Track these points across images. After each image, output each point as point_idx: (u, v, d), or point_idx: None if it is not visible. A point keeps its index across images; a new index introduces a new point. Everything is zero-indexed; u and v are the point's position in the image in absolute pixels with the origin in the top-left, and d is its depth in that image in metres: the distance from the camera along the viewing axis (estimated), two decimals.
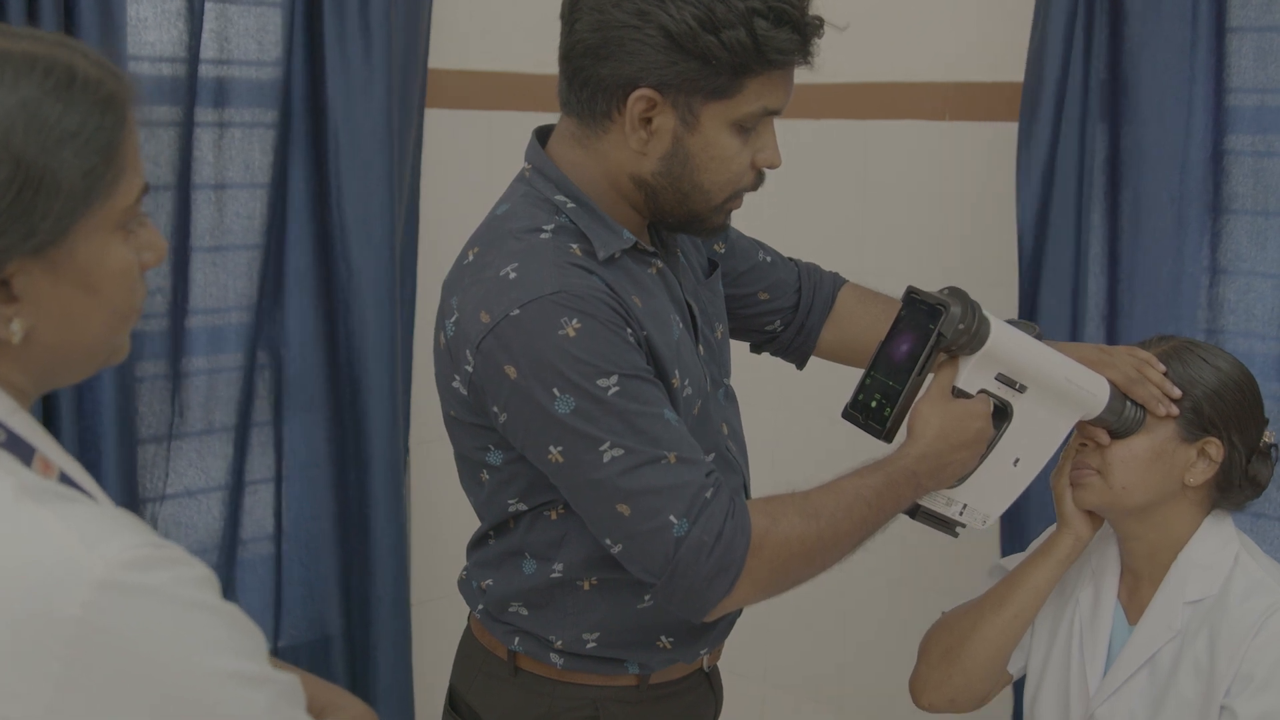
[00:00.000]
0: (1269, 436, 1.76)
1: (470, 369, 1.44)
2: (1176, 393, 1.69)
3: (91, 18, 1.88)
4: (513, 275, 1.42)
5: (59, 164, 0.96)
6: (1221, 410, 1.70)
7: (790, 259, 1.90)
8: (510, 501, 1.55)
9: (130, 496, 2.06)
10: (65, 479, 1.01)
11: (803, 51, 1.46)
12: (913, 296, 1.56)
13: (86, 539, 0.90)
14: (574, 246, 1.47)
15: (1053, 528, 1.84)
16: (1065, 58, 2.23)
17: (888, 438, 1.55)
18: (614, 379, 1.40)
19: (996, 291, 2.58)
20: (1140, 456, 1.69)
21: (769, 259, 1.86)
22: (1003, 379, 1.58)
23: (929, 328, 1.51)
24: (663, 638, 1.60)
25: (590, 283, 1.43)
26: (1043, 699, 1.82)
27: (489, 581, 1.61)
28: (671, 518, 1.40)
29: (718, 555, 1.41)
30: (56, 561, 0.89)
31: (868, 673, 2.88)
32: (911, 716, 2.23)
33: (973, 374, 1.56)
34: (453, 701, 1.70)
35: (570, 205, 1.50)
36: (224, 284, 2.19)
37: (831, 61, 2.77)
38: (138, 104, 1.02)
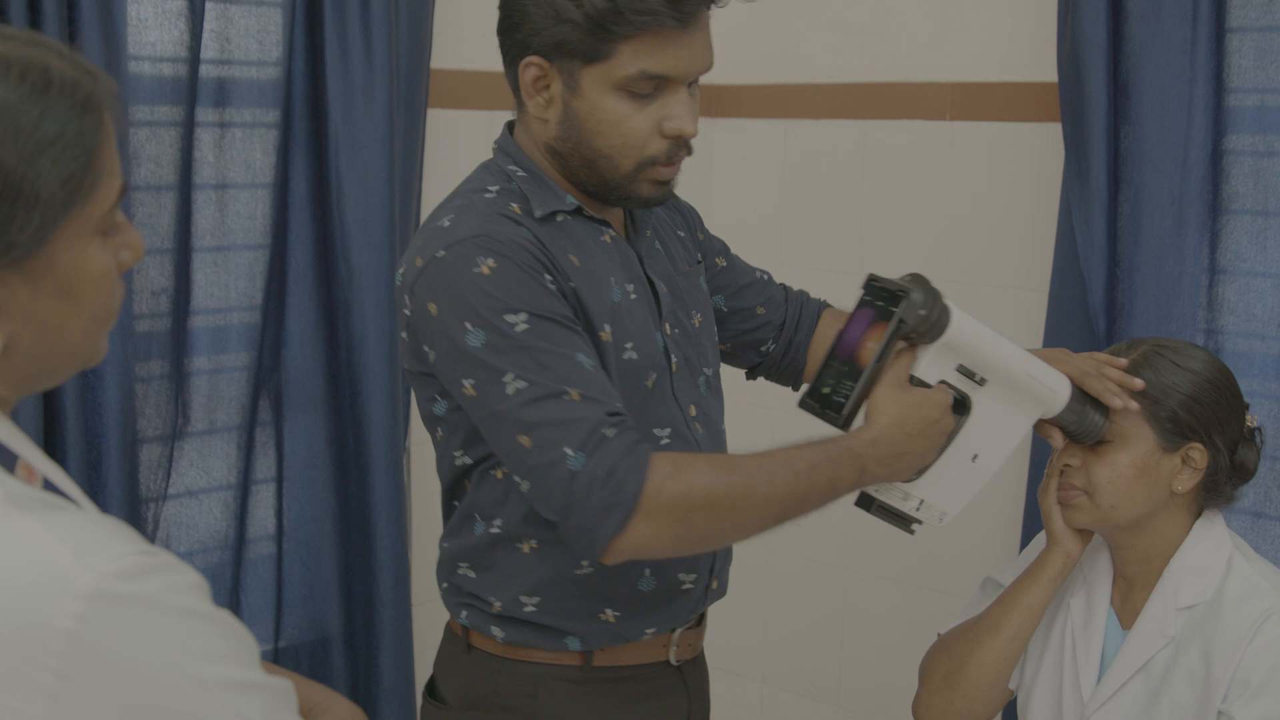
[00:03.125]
0: (1251, 421, 1.76)
1: (408, 313, 1.52)
2: (1137, 384, 1.67)
3: (92, 17, 1.88)
4: (446, 224, 1.51)
5: (37, 173, 0.93)
6: (1200, 414, 1.69)
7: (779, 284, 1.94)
8: (456, 454, 1.59)
9: (133, 497, 2.06)
10: (49, 486, 1.00)
11: (670, 13, 1.46)
12: (873, 282, 1.55)
13: (76, 549, 0.89)
14: (514, 205, 1.54)
15: (1043, 536, 1.84)
16: (1108, 56, 2.22)
17: (844, 425, 1.51)
18: (523, 316, 1.44)
19: (994, 292, 2.58)
20: (1124, 474, 1.69)
21: (764, 276, 1.90)
22: (963, 371, 1.56)
23: (890, 312, 1.50)
24: (607, 610, 1.60)
25: (515, 231, 1.50)
26: (1035, 706, 1.81)
27: (446, 544, 1.66)
28: (567, 450, 1.41)
29: (609, 491, 1.40)
30: (46, 572, 0.88)
31: (868, 673, 2.88)
32: (911, 716, 2.23)
33: (932, 364, 1.54)
34: (431, 681, 1.74)
35: (520, 174, 1.57)
36: (225, 284, 2.19)
37: (834, 62, 2.79)
38: (115, 103, 1.00)
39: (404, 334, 1.55)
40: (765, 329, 1.88)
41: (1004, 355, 1.58)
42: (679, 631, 1.69)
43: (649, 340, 1.60)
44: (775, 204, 2.93)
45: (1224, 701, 1.62)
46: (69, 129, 0.95)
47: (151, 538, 2.11)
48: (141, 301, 2.05)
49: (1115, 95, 2.24)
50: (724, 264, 1.86)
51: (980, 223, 2.61)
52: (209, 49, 2.07)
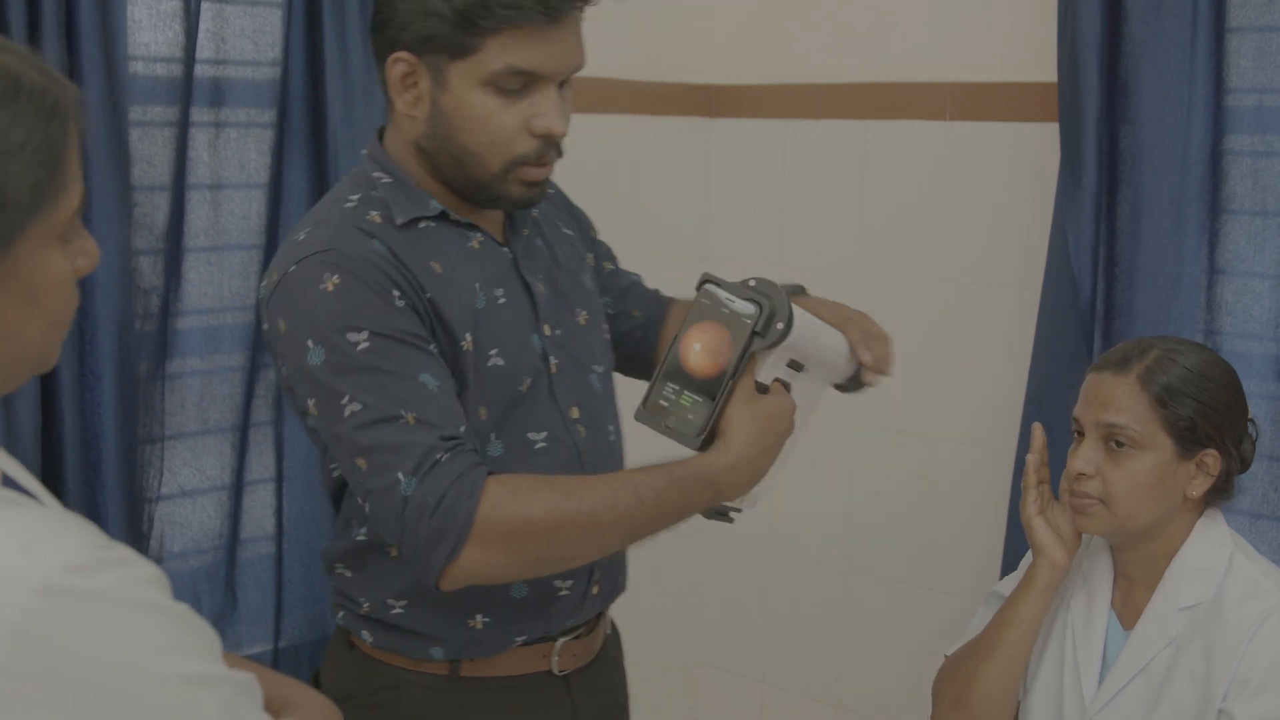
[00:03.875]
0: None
1: (266, 326, 1.51)
2: (889, 373, 1.64)
3: (90, 18, 1.88)
4: (302, 237, 1.49)
5: (6, 178, 0.93)
6: (1215, 421, 1.71)
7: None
8: (331, 465, 1.58)
9: (130, 497, 2.06)
10: (9, 482, 0.99)
11: (539, 7, 1.44)
12: (711, 287, 1.46)
13: (25, 544, 0.89)
14: (373, 213, 1.51)
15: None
16: (1102, 56, 2.22)
17: (703, 447, 1.46)
18: (364, 335, 1.43)
19: (995, 292, 2.57)
20: (1143, 483, 1.70)
21: (639, 279, 1.91)
22: (792, 364, 1.53)
23: (744, 324, 1.43)
24: (476, 616, 1.58)
25: (365, 245, 1.47)
26: (1036, 708, 1.81)
27: (328, 545, 1.65)
28: (400, 475, 1.41)
29: (439, 518, 1.40)
30: None
31: (868, 673, 2.88)
32: (911, 716, 2.22)
33: (772, 366, 1.49)
34: (316, 674, 1.73)
35: (385, 180, 1.55)
36: (220, 284, 2.19)
37: (834, 62, 2.78)
38: (80, 111, 1.00)
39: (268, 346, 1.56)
40: (639, 328, 1.88)
41: (825, 340, 1.56)
42: (562, 640, 1.64)
43: (521, 345, 1.58)
44: (775, 204, 2.93)
45: (1224, 700, 1.63)
46: (36, 135, 0.95)
47: (147, 537, 2.12)
48: (140, 301, 2.05)
49: (1113, 95, 2.23)
50: (611, 268, 1.87)
51: (980, 222, 2.61)
52: (204, 49, 2.07)
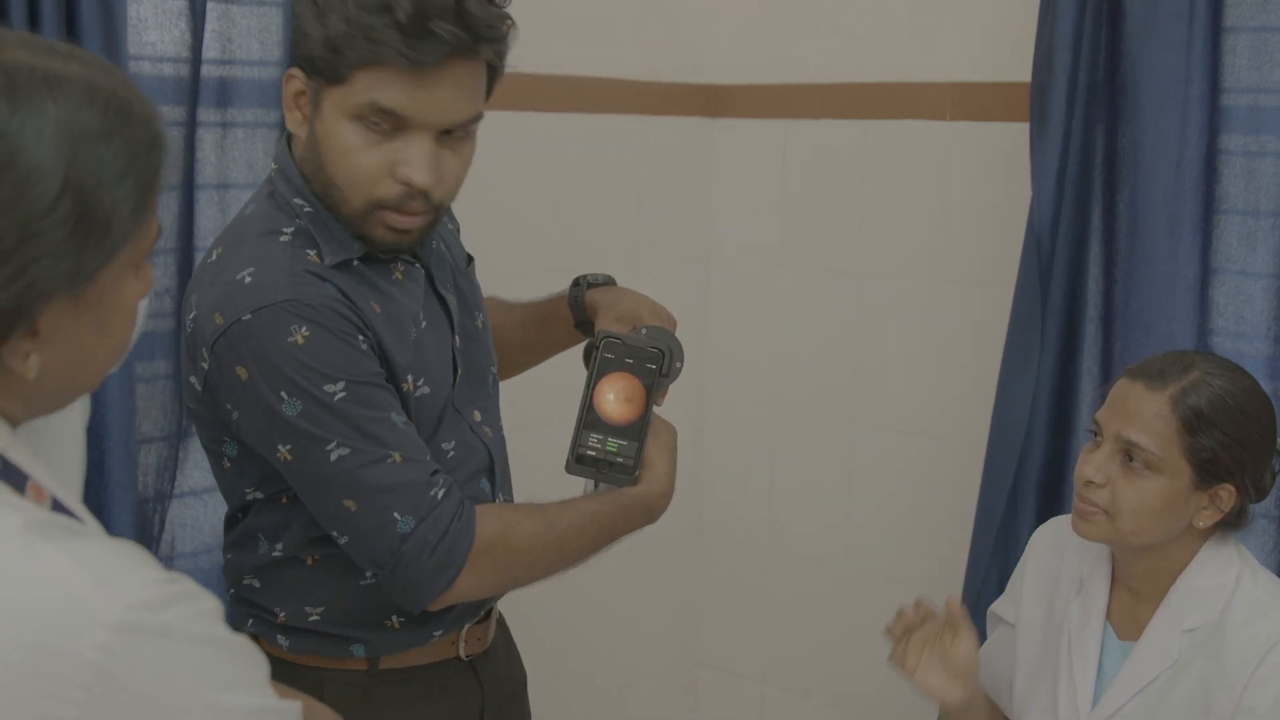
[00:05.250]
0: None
1: (206, 366, 1.50)
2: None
3: (92, 17, 1.88)
4: (248, 280, 1.47)
5: (113, 202, 0.94)
6: (1239, 457, 1.64)
7: None
8: (248, 490, 1.61)
9: (136, 497, 2.06)
10: (57, 505, 1.00)
11: (404, 51, 1.41)
12: (611, 341, 1.63)
13: (98, 578, 0.90)
14: (310, 253, 1.51)
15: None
16: (1074, 57, 2.23)
17: (636, 483, 1.63)
18: (341, 385, 1.46)
19: (995, 293, 2.58)
20: (1153, 504, 1.64)
21: None
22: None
23: (649, 369, 1.62)
24: (393, 617, 1.62)
25: (323, 291, 1.48)
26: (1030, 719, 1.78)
27: (230, 555, 1.67)
28: (396, 514, 1.48)
29: (441, 554, 1.49)
30: (69, 603, 0.88)
31: (868, 673, 2.88)
32: (911, 716, 2.23)
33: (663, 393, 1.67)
34: None
35: (307, 209, 1.54)
36: None
37: (834, 62, 2.79)
38: (171, 146, 1.02)
39: (193, 380, 1.53)
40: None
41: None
42: (467, 627, 1.71)
43: (442, 364, 1.62)
44: (775, 204, 2.94)
45: None
46: (138, 164, 0.96)
47: (158, 539, 2.12)
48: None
49: (1091, 96, 2.24)
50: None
51: (980, 222, 2.61)
52: (210, 49, 2.07)
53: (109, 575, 0.90)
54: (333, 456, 1.47)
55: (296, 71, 1.49)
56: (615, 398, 1.61)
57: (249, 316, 1.45)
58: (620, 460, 1.61)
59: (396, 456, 1.48)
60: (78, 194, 0.92)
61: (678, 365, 1.65)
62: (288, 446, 1.48)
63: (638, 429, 1.61)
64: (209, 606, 0.95)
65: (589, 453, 1.61)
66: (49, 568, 0.90)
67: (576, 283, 1.82)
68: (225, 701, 0.94)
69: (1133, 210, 2.23)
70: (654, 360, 1.62)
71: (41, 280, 0.92)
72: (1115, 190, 2.26)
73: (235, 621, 1.70)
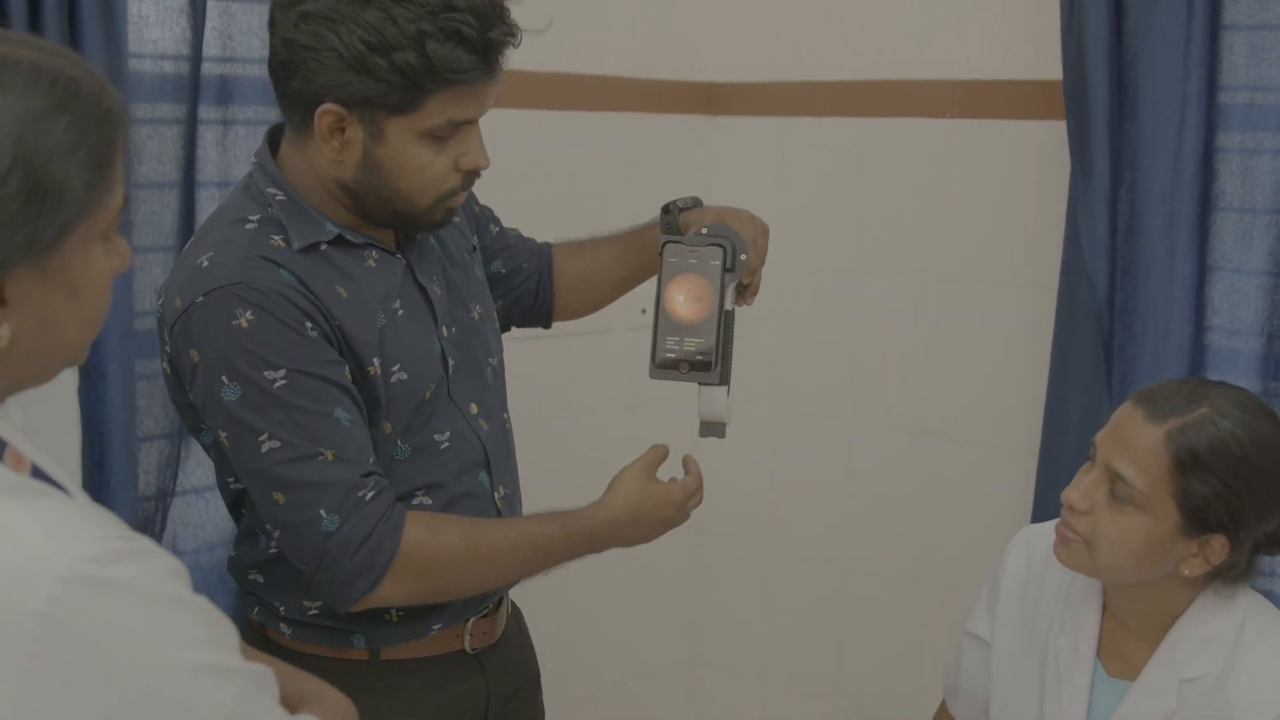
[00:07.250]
0: None
1: (169, 350, 1.54)
2: (750, 301, 1.74)
3: (93, 14, 1.88)
4: (205, 264, 1.51)
5: (64, 174, 0.99)
6: (1234, 510, 1.50)
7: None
8: (229, 479, 1.63)
9: (137, 495, 2.06)
10: (38, 472, 1.02)
11: (482, 69, 1.50)
12: (674, 245, 1.65)
13: (52, 533, 0.92)
14: (276, 238, 1.54)
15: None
16: (1110, 54, 2.22)
17: (722, 380, 1.65)
18: (281, 372, 1.48)
19: (995, 291, 2.58)
20: (1132, 544, 1.52)
21: (517, 232, 1.96)
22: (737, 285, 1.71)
23: (714, 265, 1.63)
24: (391, 611, 1.64)
25: (275, 277, 1.50)
26: None
27: (235, 552, 1.70)
28: (322, 512, 1.49)
29: (363, 555, 1.50)
30: (23, 557, 0.90)
31: (868, 671, 2.88)
32: (911, 715, 2.23)
33: (731, 291, 1.67)
34: None
35: (280, 198, 1.57)
36: None
37: (834, 60, 2.79)
38: (127, 119, 1.06)
39: (165, 365, 1.59)
40: (531, 278, 1.95)
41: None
42: (472, 620, 1.72)
43: (423, 352, 1.63)
44: (775, 202, 2.93)
45: None
46: (91, 137, 1.00)
47: (159, 536, 2.12)
48: (144, 299, 2.06)
49: (1120, 92, 2.24)
50: (496, 230, 1.92)
51: (980, 221, 2.62)
52: (211, 46, 2.07)
53: (64, 531, 0.93)
54: (263, 449, 1.49)
55: (334, 107, 1.51)
56: (685, 298, 1.63)
57: (201, 299, 1.49)
58: (700, 358, 1.63)
59: (329, 454, 1.50)
60: (27, 168, 0.96)
61: (742, 258, 1.65)
62: (225, 433, 1.52)
63: (712, 325, 1.63)
64: (168, 565, 0.96)
65: (669, 354, 1.63)
66: (8, 525, 0.92)
67: (667, 209, 1.81)
68: (181, 658, 0.94)
69: (1131, 209, 2.23)
70: (716, 256, 1.63)
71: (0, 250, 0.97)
72: (1115, 189, 2.26)
73: (241, 612, 1.72)
